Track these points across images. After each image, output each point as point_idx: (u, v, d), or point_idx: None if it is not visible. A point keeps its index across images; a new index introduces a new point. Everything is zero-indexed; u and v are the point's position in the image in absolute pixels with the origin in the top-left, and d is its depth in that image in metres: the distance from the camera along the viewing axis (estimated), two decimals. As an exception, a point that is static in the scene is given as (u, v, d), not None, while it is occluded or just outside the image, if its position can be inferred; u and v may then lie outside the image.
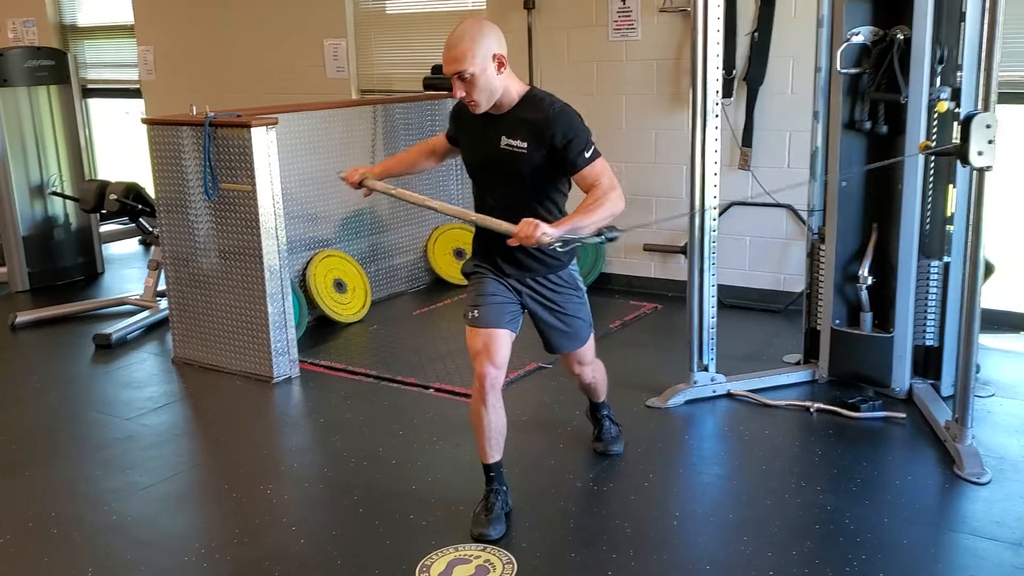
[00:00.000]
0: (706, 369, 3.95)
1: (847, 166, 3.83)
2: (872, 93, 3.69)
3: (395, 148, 5.56)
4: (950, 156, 3.17)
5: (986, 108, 3.06)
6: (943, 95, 3.60)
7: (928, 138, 3.65)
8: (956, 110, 3.57)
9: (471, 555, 2.82)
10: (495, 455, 2.97)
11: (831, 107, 3.91)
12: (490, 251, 2.97)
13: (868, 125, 3.74)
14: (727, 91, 5.08)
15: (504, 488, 3.00)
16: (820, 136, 4.00)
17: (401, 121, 5.63)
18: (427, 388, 4.17)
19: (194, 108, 4.29)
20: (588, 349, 3.15)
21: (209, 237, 4.36)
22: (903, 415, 3.68)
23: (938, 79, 3.62)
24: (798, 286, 5.15)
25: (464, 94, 2.78)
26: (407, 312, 5.40)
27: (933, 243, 3.82)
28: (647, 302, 5.35)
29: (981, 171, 3.09)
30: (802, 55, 4.90)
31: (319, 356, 4.61)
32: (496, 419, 2.93)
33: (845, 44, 3.70)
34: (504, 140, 2.82)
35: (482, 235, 2.99)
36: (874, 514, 2.99)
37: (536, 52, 5.62)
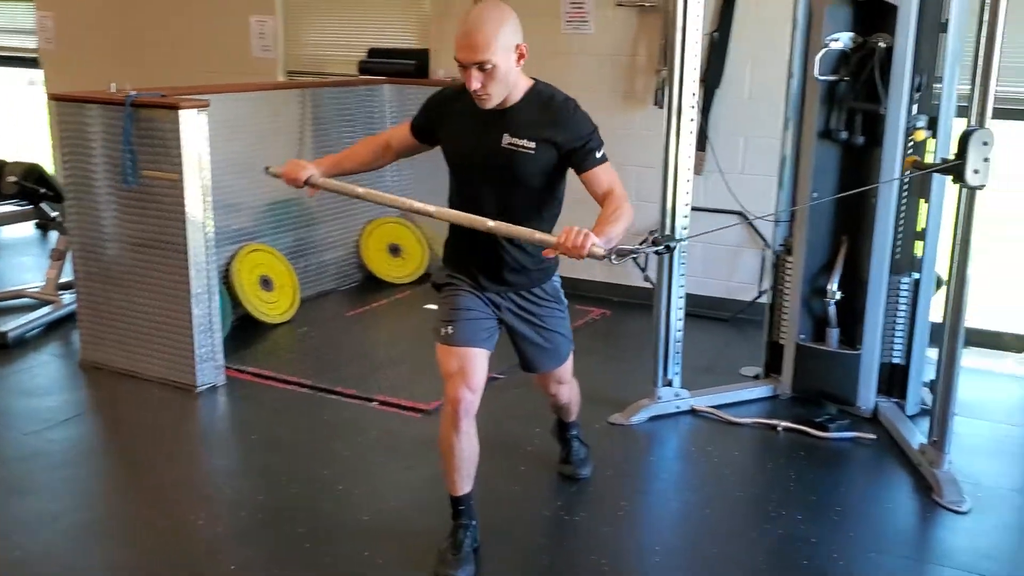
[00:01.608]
0: (670, 384, 3.76)
1: (820, 176, 3.68)
2: (851, 102, 3.54)
3: (327, 136, 5.20)
4: (943, 175, 3.02)
5: (982, 124, 2.93)
6: (919, 123, 3.50)
7: (905, 154, 3.53)
8: (932, 139, 3.51)
9: (438, 599, 2.54)
10: (466, 486, 2.70)
11: (803, 115, 3.77)
12: (470, 262, 2.68)
13: (844, 135, 3.59)
14: (682, 91, 4.90)
15: (474, 523, 2.72)
16: (790, 144, 3.85)
17: (334, 107, 5.27)
18: (370, 400, 3.85)
19: (113, 85, 3.86)
20: (568, 367, 2.90)
21: (126, 228, 3.93)
22: (873, 436, 3.55)
23: (915, 107, 3.51)
24: (747, 295, 5.03)
25: (479, 86, 2.46)
26: (339, 313, 5.06)
27: (903, 259, 3.70)
28: (594, 307, 5.13)
29: (974, 190, 2.96)
30: (760, 58, 4.76)
31: (246, 362, 4.23)
32: (468, 447, 2.66)
33: (824, 50, 3.54)
34: (507, 139, 2.54)
35: (460, 243, 2.69)
36: (859, 548, 2.83)
37: (480, 41, 5.32)
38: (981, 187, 2.92)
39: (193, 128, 3.73)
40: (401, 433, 3.57)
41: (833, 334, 3.76)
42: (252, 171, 4.74)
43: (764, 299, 4.93)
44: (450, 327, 2.64)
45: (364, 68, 5.74)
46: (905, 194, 3.62)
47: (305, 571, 2.67)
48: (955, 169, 2.91)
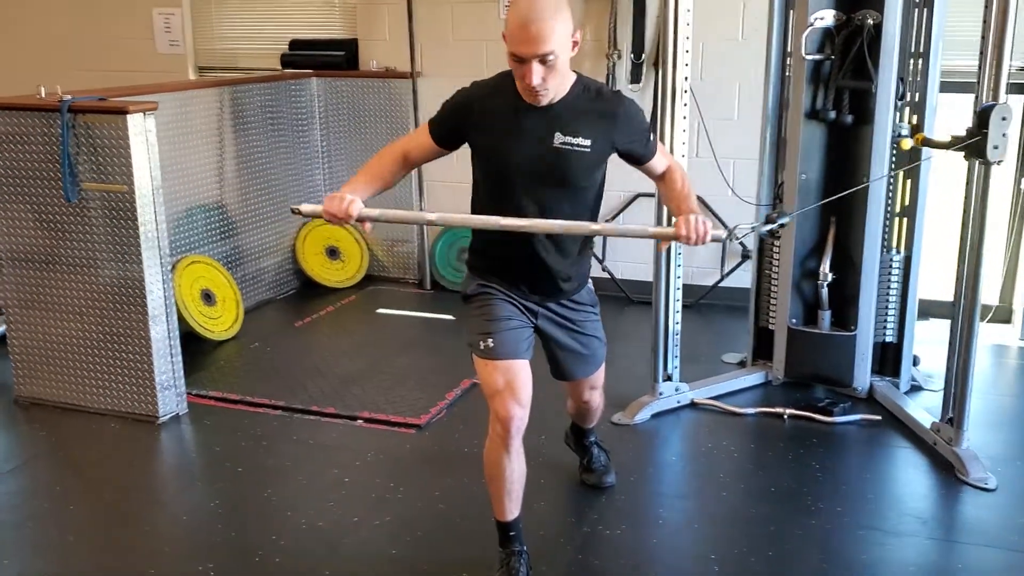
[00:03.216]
0: (670, 379, 3.64)
1: (808, 158, 3.62)
2: (841, 80, 3.48)
3: (251, 135, 4.84)
4: (959, 152, 2.98)
5: (995, 98, 2.91)
6: (903, 131, 3.48)
7: (893, 144, 3.51)
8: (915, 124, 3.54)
9: (505, 636, 2.33)
10: (516, 509, 2.50)
11: (783, 95, 3.71)
12: (515, 273, 2.47)
13: (832, 115, 3.53)
14: (635, 77, 4.79)
15: (526, 548, 2.52)
16: (770, 126, 3.78)
17: (258, 105, 4.89)
18: (354, 419, 3.58)
19: (43, 89, 3.44)
20: (602, 372, 2.74)
21: (67, 248, 3.52)
22: (877, 417, 3.53)
23: (897, 114, 3.50)
24: (707, 279, 4.98)
25: (540, 81, 2.22)
26: (287, 324, 4.73)
27: (891, 236, 3.69)
28: (555, 302, 4.97)
29: (990, 165, 2.93)
30: (711, 39, 4.69)
31: (204, 385, 3.88)
32: (520, 468, 2.46)
33: (810, 28, 3.47)
34: (559, 137, 2.32)
35: (501, 254, 2.46)
36: (906, 535, 2.78)
37: (417, 29, 5.06)
38: (999, 162, 2.90)
39: (142, 134, 3.36)
40: (400, 453, 3.32)
41: (825, 316, 3.72)
42: (172, 175, 4.35)
43: (725, 283, 4.92)
44: (490, 339, 2.43)
45: (287, 61, 5.38)
46: (892, 173, 3.60)
47: (348, 619, 2.42)
48: (975, 145, 2.87)
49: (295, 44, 5.41)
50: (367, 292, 5.26)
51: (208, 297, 4.46)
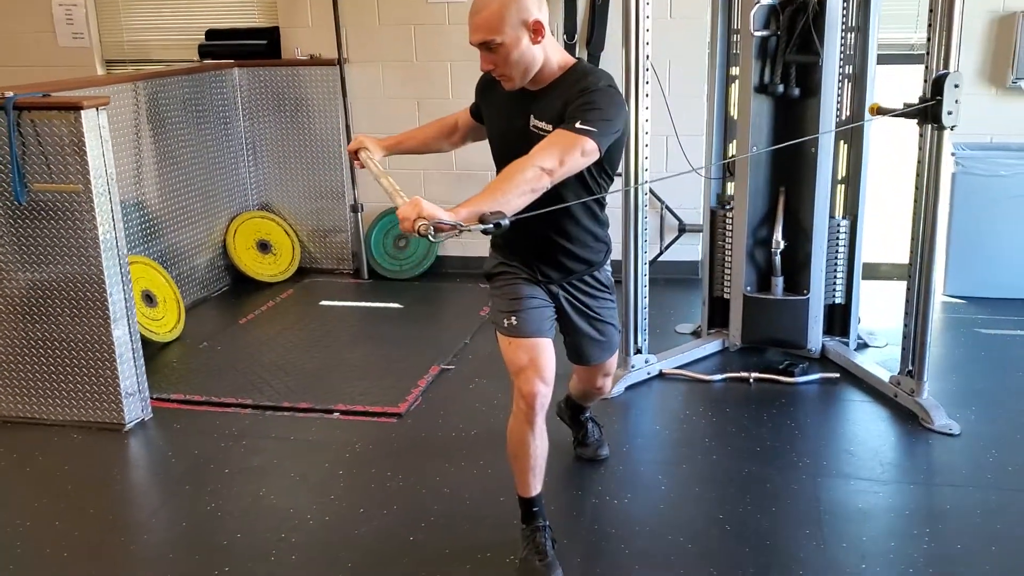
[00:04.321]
0: (640, 351, 3.73)
1: (758, 131, 3.76)
2: (788, 55, 3.63)
3: (174, 130, 4.66)
4: (913, 118, 3.16)
5: (947, 66, 3.09)
6: None
7: (839, 100, 3.70)
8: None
9: (546, 611, 2.36)
10: (539, 485, 2.53)
11: (729, 70, 3.85)
12: (526, 249, 2.50)
13: (781, 89, 3.68)
14: (570, 56, 4.84)
15: (549, 523, 2.56)
16: (718, 101, 3.91)
17: (178, 98, 4.69)
18: (330, 413, 3.53)
19: (-18, 86, 3.24)
20: (615, 358, 2.78)
21: (17, 253, 3.33)
22: (836, 375, 3.72)
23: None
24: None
25: (491, 67, 2.28)
26: (230, 321, 4.59)
27: (834, 202, 3.88)
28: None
29: (942, 130, 3.12)
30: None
31: (163, 389, 3.74)
32: (543, 444, 2.48)
33: (757, 5, 3.60)
34: (532, 121, 2.35)
35: (513, 230, 2.47)
36: (896, 484, 2.95)
37: (342, 13, 4.97)
38: (953, 127, 3.09)
39: (95, 130, 3.20)
40: (388, 442, 3.29)
41: (779, 282, 3.88)
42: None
43: (664, 257, 5.06)
44: (513, 317, 2.45)
45: (206, 52, 5.20)
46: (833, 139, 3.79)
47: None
48: (932, 111, 3.05)
49: (212, 34, 5.23)
50: (303, 285, 5.15)
51: (149, 298, 4.29)
